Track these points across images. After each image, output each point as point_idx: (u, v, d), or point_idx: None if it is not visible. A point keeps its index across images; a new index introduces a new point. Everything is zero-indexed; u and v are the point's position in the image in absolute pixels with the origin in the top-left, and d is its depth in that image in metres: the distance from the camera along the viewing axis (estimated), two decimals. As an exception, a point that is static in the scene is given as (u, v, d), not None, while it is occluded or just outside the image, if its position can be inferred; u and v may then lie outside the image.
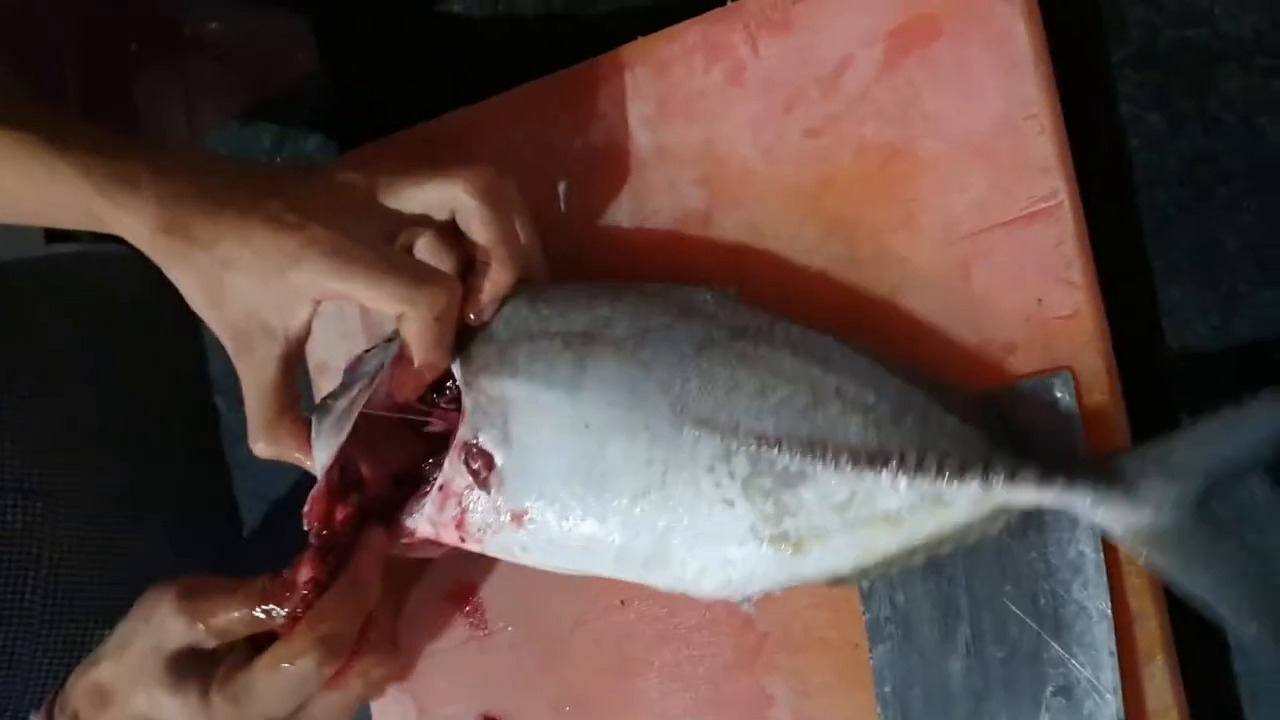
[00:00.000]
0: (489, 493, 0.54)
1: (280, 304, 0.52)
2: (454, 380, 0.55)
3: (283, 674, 0.52)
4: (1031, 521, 0.50)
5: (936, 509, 0.48)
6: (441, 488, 0.55)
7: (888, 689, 0.52)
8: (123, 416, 0.81)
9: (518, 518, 0.54)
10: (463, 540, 0.55)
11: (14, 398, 0.74)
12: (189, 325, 0.58)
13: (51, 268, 0.91)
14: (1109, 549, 0.49)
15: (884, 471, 0.48)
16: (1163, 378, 0.52)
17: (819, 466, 0.49)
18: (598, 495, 0.53)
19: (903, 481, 0.48)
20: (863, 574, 0.51)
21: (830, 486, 0.49)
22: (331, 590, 0.54)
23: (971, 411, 0.49)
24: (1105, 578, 0.49)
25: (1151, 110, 0.52)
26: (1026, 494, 0.47)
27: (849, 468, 0.49)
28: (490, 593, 0.62)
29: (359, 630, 0.54)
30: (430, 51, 0.70)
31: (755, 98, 0.56)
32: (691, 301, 0.54)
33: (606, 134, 0.60)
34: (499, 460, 0.54)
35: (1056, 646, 0.50)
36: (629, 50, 0.59)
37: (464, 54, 0.69)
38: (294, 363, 0.55)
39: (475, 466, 0.54)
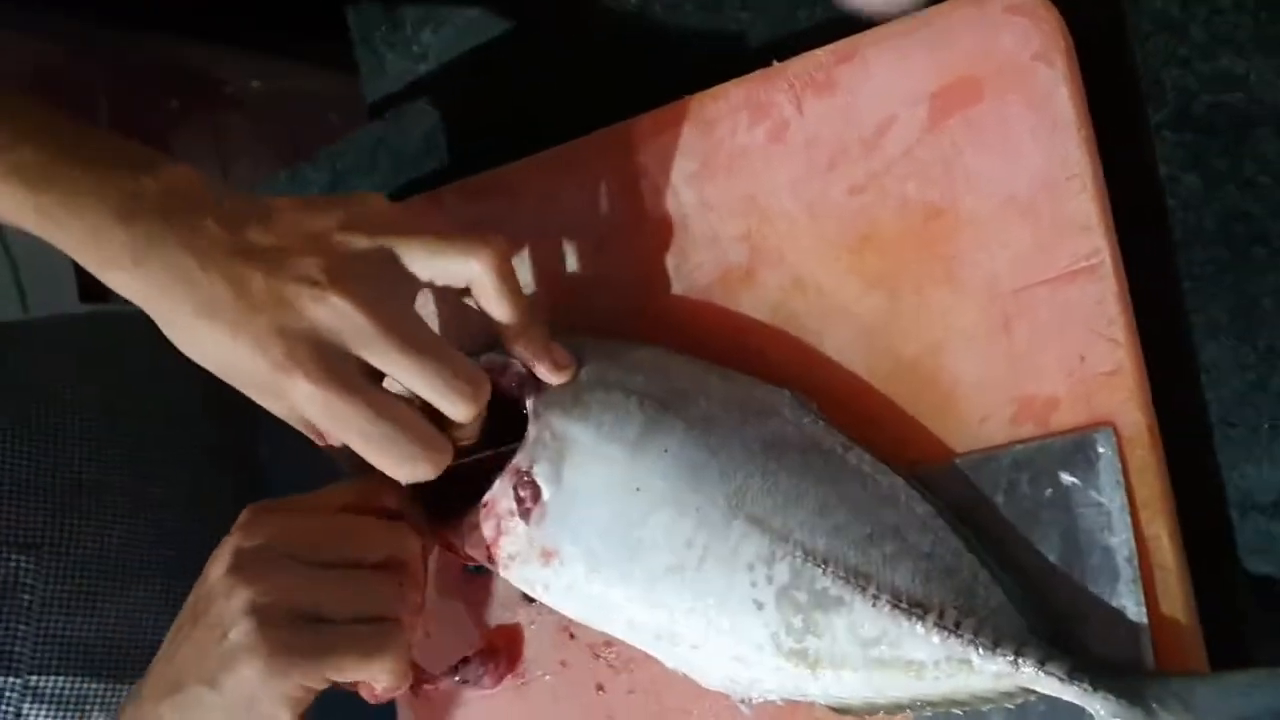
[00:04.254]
0: (528, 523, 0.55)
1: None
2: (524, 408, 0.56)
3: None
4: (1073, 575, 0.50)
5: (961, 672, 0.49)
6: (486, 505, 0.56)
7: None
8: (129, 472, 0.81)
9: (547, 555, 0.55)
10: (489, 559, 0.56)
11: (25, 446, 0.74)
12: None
13: (82, 327, 0.91)
14: (1150, 605, 0.49)
15: (920, 622, 0.49)
16: (1203, 433, 0.52)
17: (858, 598, 0.49)
18: (630, 558, 0.53)
19: (936, 636, 0.49)
20: (870, 709, 0.51)
21: (864, 620, 0.49)
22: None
23: (1017, 590, 0.50)
24: (1149, 634, 0.49)
25: (1189, 171, 0.53)
26: (1050, 684, 0.47)
27: (887, 608, 0.49)
28: (530, 639, 0.63)
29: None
30: (477, 107, 0.72)
31: (798, 155, 0.57)
32: (770, 401, 0.54)
33: (651, 190, 0.61)
34: (546, 495, 0.54)
35: None
36: (674, 108, 0.60)
37: (510, 110, 0.70)
38: None
39: (522, 495, 0.55)
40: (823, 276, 0.57)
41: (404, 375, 0.51)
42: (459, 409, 0.52)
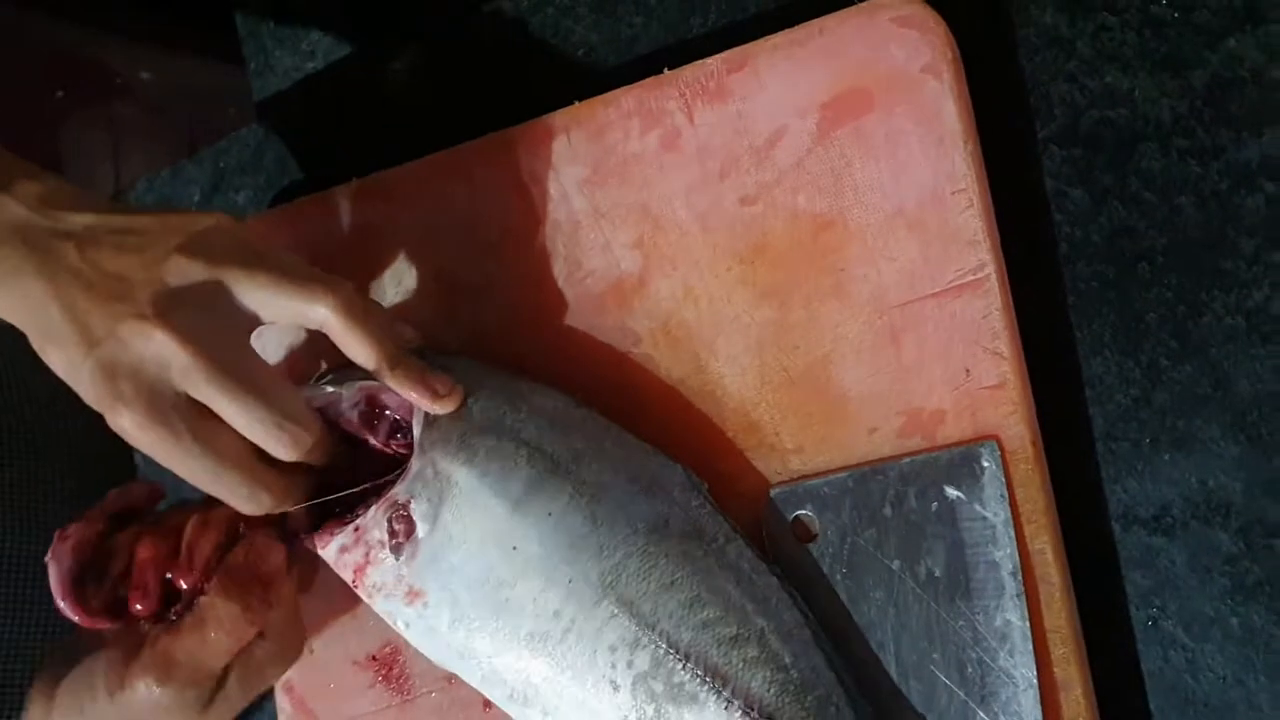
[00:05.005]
0: (397, 559, 0.54)
1: None
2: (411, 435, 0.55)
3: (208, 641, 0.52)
4: (958, 589, 0.50)
5: None
6: (358, 529, 0.54)
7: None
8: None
9: (413, 595, 0.54)
10: (354, 584, 0.55)
11: None
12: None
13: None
14: (1034, 618, 0.50)
15: None
16: (1086, 447, 0.53)
17: (713, 698, 0.49)
18: (494, 615, 0.52)
19: None
20: None
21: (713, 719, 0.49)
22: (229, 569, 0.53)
23: (867, 716, 0.50)
24: (1031, 646, 0.49)
25: (1075, 186, 0.53)
26: None
27: (739, 714, 0.49)
28: (415, 656, 0.61)
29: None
30: (367, 108, 0.70)
31: (690, 164, 0.57)
32: (662, 477, 0.54)
33: (543, 195, 0.60)
34: (420, 533, 0.53)
35: (983, 714, 0.50)
36: (565, 114, 0.59)
37: (401, 112, 0.69)
38: None
39: (396, 528, 0.54)
40: (715, 286, 0.56)
41: (227, 414, 0.50)
42: (280, 451, 0.52)
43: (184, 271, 0.50)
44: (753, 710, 0.49)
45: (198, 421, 0.50)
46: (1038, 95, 0.54)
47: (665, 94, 0.57)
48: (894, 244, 0.53)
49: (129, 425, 0.49)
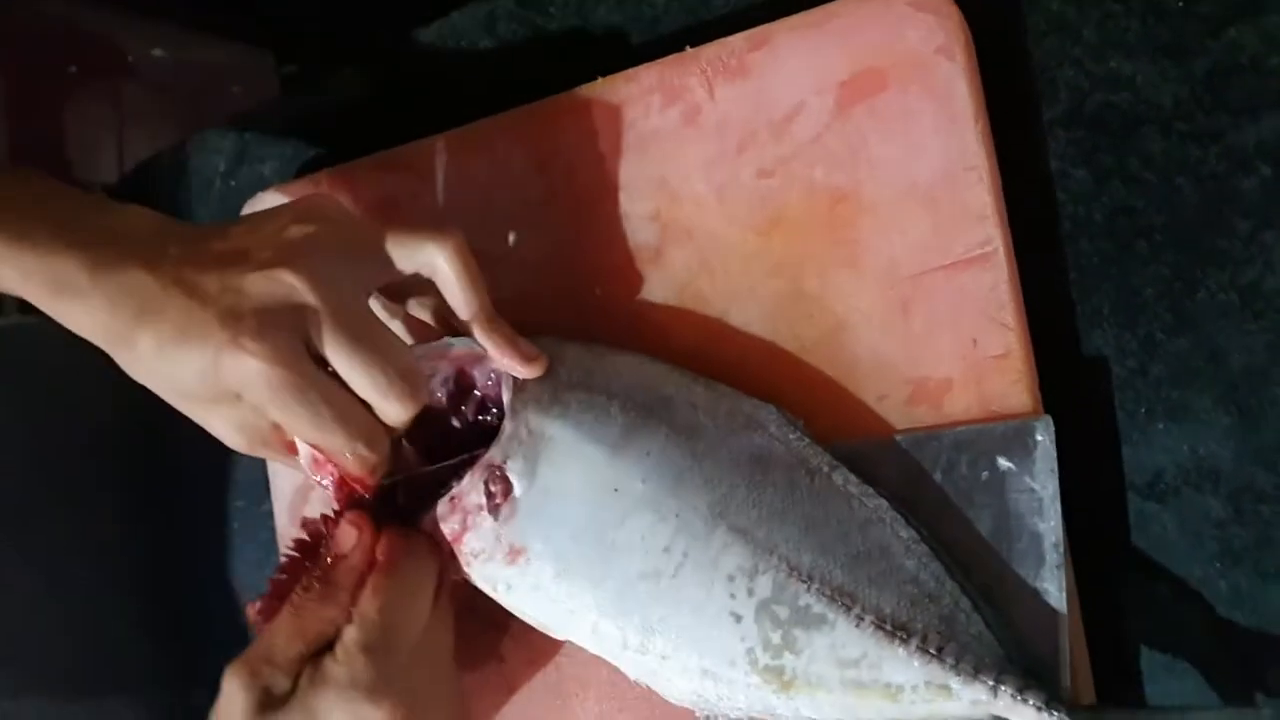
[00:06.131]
0: (496, 520, 0.53)
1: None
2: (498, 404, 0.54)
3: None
4: (997, 557, 0.51)
5: (938, 697, 0.48)
6: (453, 499, 0.54)
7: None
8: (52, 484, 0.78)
9: (514, 554, 0.53)
10: (452, 555, 0.55)
11: None
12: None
13: None
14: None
15: (903, 645, 0.48)
16: (1084, 415, 0.55)
17: (841, 617, 0.49)
18: (602, 561, 0.51)
19: (917, 660, 0.48)
20: None
21: (846, 640, 0.49)
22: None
23: (996, 621, 0.50)
24: (1066, 619, 0.50)
25: (1079, 166, 0.55)
26: (1025, 713, 0.47)
27: (871, 629, 0.49)
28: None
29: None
30: (390, 82, 0.72)
31: (709, 138, 0.59)
32: (756, 415, 0.54)
33: (564, 168, 0.62)
34: (517, 491, 0.53)
35: None
36: (588, 89, 0.61)
37: (424, 86, 0.70)
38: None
39: (493, 490, 0.53)
40: (730, 257, 0.58)
41: (345, 364, 0.50)
42: (391, 411, 0.52)
43: (304, 230, 0.51)
44: (885, 624, 0.48)
45: (314, 367, 0.50)
46: (1045, 79, 0.56)
47: (687, 70, 0.59)
48: (906, 218, 0.55)
49: (249, 367, 0.48)
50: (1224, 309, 0.53)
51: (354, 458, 0.52)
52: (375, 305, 0.58)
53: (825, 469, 0.52)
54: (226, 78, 1.10)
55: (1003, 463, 0.52)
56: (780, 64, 0.57)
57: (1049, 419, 0.51)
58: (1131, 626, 0.55)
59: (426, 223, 0.54)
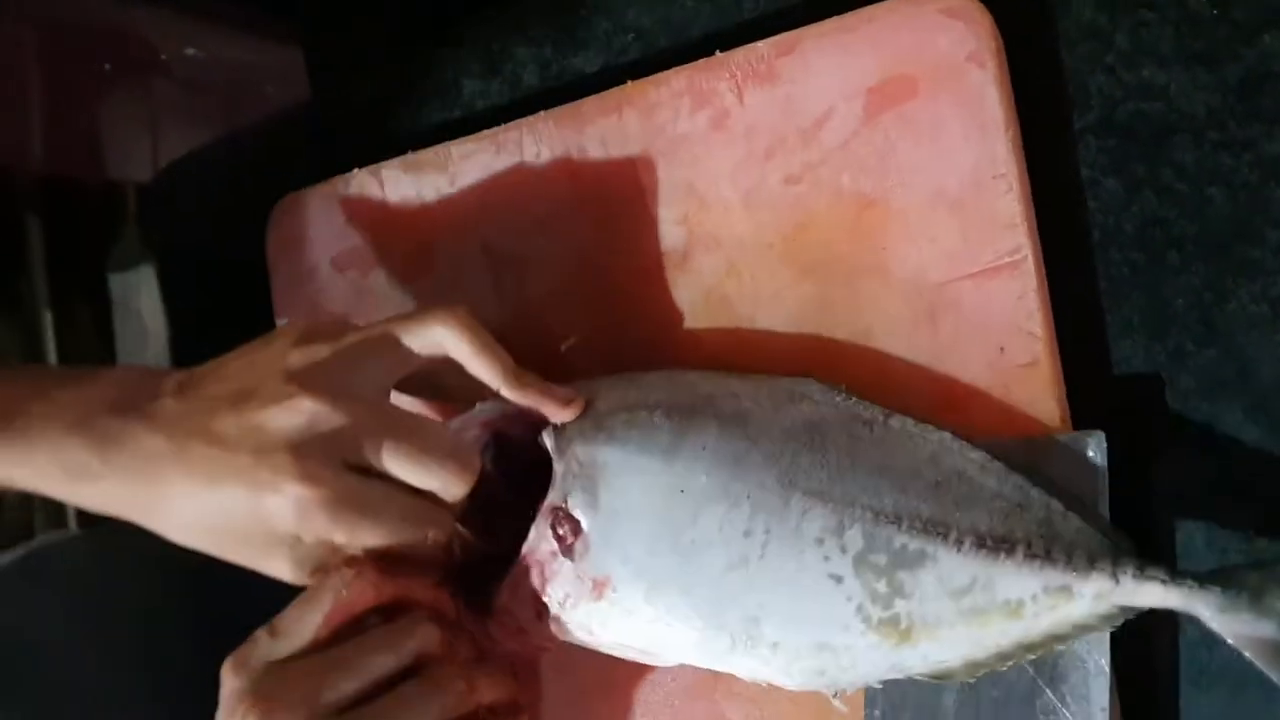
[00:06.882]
0: (573, 559, 0.52)
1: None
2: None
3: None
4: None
5: (1060, 601, 0.47)
6: (525, 555, 0.53)
7: (878, 712, 0.52)
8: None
9: (599, 586, 0.52)
10: (539, 615, 0.53)
11: None
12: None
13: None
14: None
15: (1010, 558, 0.47)
16: (1112, 426, 0.55)
17: (940, 547, 0.48)
18: (687, 564, 0.50)
19: (1029, 568, 0.47)
20: (972, 669, 0.49)
21: (952, 569, 0.48)
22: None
23: (1092, 514, 0.49)
24: (1108, 634, 0.49)
25: (1109, 175, 0.55)
26: (1152, 594, 0.46)
27: (973, 550, 0.48)
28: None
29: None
30: (420, 84, 0.72)
31: (738, 143, 0.59)
32: (798, 389, 0.53)
33: (592, 172, 0.62)
34: (585, 525, 0.52)
35: (1051, 694, 0.50)
36: (617, 93, 0.61)
37: (455, 89, 0.71)
38: None
39: (561, 532, 0.52)
40: (757, 262, 0.58)
41: (392, 464, 0.50)
42: (452, 489, 0.51)
43: (307, 353, 0.50)
44: (986, 542, 0.47)
45: (360, 477, 0.49)
46: (1076, 86, 0.56)
47: (716, 75, 0.59)
48: (935, 225, 0.55)
49: (296, 499, 0.47)
50: (1254, 320, 0.53)
51: (431, 544, 0.51)
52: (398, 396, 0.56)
53: (881, 418, 0.52)
54: (260, 76, 1.11)
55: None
56: (809, 70, 0.57)
57: (1101, 435, 0.50)
58: (1156, 638, 0.54)
59: (425, 305, 0.53)
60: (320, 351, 0.51)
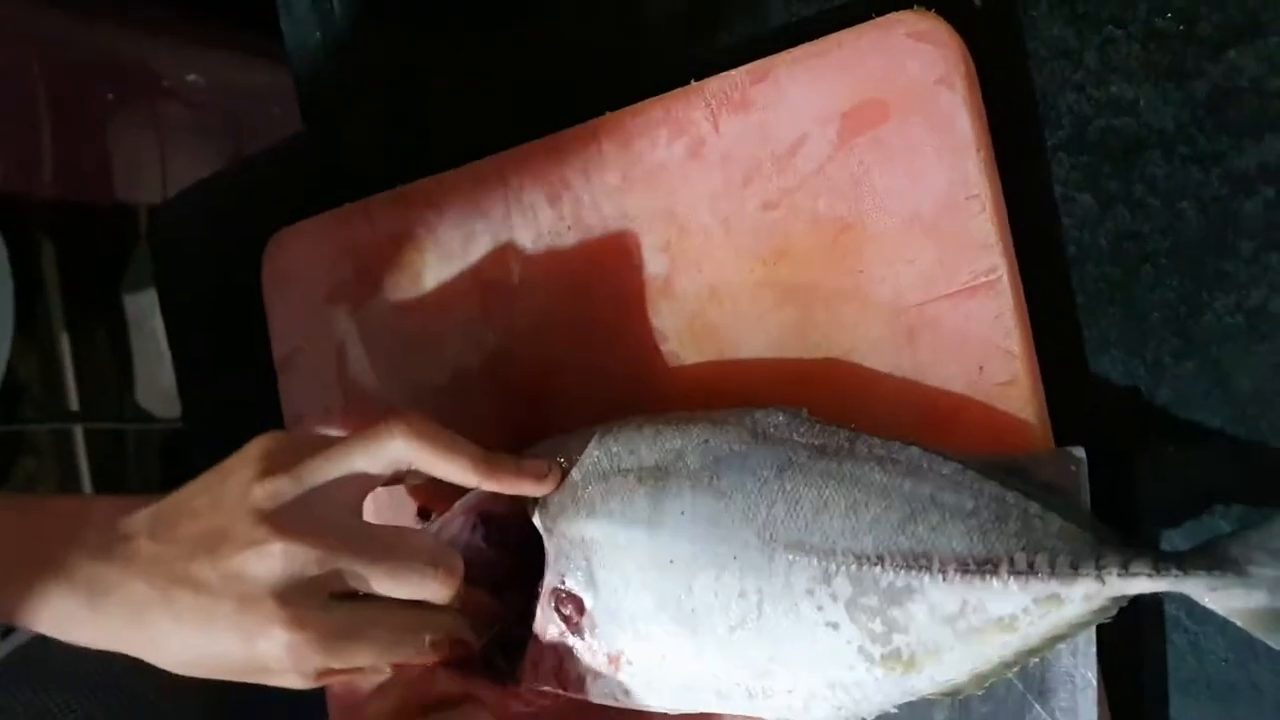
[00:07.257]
0: (583, 638, 0.54)
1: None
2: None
3: None
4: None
5: (1052, 608, 0.48)
6: (535, 637, 0.54)
7: (868, 720, 0.53)
8: None
9: (614, 660, 0.54)
10: (564, 689, 0.55)
11: None
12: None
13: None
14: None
15: (995, 577, 0.48)
16: (1092, 441, 0.55)
17: (926, 579, 0.49)
18: (691, 632, 0.52)
19: (1015, 585, 0.48)
20: (980, 681, 0.50)
21: (940, 599, 0.49)
22: None
23: (1071, 509, 0.49)
24: (1094, 648, 0.50)
25: (1083, 192, 0.55)
26: (1139, 584, 0.47)
27: (958, 578, 0.49)
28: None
29: None
30: (408, 114, 0.73)
31: (714, 171, 0.59)
32: (763, 425, 0.54)
33: (573, 202, 0.63)
34: (588, 603, 0.54)
35: (1040, 709, 0.50)
36: (596, 124, 0.62)
37: (440, 121, 0.71)
38: None
39: (566, 612, 0.54)
40: (738, 288, 0.59)
41: (376, 584, 0.51)
42: (438, 588, 0.53)
43: (271, 490, 0.51)
44: (968, 566, 0.48)
45: (348, 606, 0.51)
46: (1047, 105, 0.56)
47: (691, 104, 0.60)
48: (911, 247, 0.55)
49: (288, 643, 0.49)
50: (1230, 332, 0.53)
51: (431, 650, 0.53)
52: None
53: (846, 445, 0.52)
54: (266, 100, 1.12)
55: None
56: (783, 96, 0.58)
57: (1082, 450, 0.51)
58: (1143, 648, 0.55)
59: (375, 423, 0.53)
60: (283, 486, 0.51)
